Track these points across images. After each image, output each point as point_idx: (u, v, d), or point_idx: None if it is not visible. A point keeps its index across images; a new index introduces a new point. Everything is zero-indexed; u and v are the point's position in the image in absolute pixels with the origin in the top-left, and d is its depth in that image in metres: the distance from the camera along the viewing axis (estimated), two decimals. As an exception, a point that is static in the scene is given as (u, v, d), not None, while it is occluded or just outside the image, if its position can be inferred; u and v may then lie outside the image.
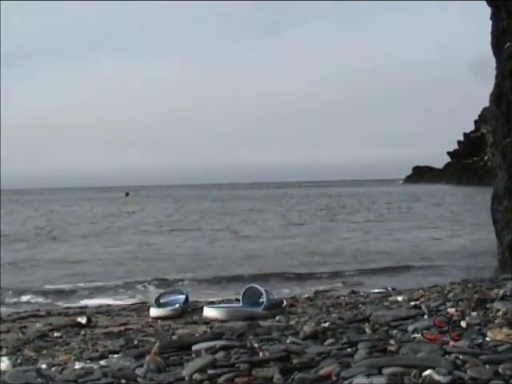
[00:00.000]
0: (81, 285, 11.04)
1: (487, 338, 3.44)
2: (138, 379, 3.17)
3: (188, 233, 22.36)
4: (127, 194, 60.99)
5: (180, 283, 11.02)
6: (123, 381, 3.14)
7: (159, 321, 6.40)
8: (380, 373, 2.83)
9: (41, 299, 9.92)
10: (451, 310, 4.53)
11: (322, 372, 2.96)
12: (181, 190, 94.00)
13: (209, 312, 6.19)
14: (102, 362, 3.75)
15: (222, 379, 3.00)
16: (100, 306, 8.03)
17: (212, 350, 3.63)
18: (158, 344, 3.87)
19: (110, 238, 20.74)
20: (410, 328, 3.93)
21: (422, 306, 4.89)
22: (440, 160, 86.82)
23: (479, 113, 73.72)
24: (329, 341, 3.78)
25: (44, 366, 3.77)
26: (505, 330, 3.50)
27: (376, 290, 8.40)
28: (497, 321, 3.93)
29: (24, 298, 9.95)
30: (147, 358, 3.44)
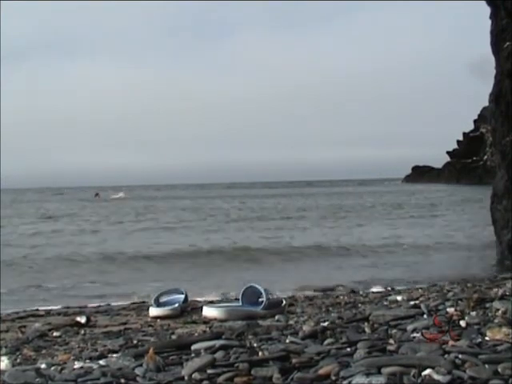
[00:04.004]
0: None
1: (486, 338, 3.44)
2: (138, 378, 3.18)
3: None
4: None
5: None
6: (122, 380, 3.14)
7: (158, 320, 6.40)
8: (379, 372, 2.84)
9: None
10: (450, 310, 4.54)
11: (322, 371, 2.96)
12: (171, 190, 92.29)
13: (208, 311, 6.19)
14: (102, 362, 3.75)
15: (221, 379, 3.00)
16: (99, 306, 8.03)
17: (211, 350, 3.64)
18: (153, 346, 3.87)
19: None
20: (410, 327, 3.93)
21: (422, 306, 4.89)
22: (439, 160, 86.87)
23: (478, 112, 73.74)
24: (328, 340, 3.78)
25: (43, 366, 3.76)
26: (504, 329, 3.50)
27: (375, 290, 8.40)
28: (496, 320, 3.94)
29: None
30: (146, 357, 3.44)
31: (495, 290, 5.88)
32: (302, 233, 19.89)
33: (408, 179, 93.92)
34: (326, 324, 4.61)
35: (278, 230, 20.97)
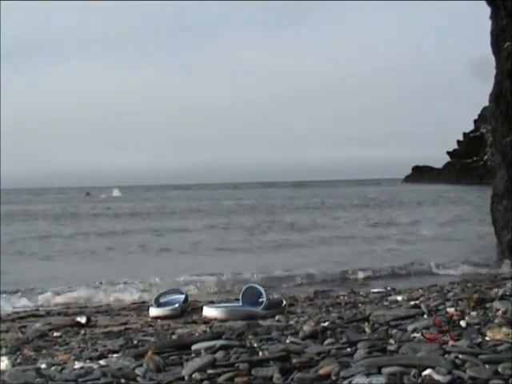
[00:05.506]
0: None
1: (487, 338, 3.44)
2: (138, 379, 3.18)
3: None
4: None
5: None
6: (123, 380, 3.15)
7: (159, 320, 6.41)
8: (379, 372, 2.84)
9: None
10: (451, 310, 4.54)
11: (322, 371, 2.96)
12: (173, 191, 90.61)
13: (208, 311, 6.20)
14: (102, 362, 3.75)
15: (221, 379, 3.00)
16: (100, 306, 8.03)
17: (212, 350, 3.64)
18: (154, 346, 3.87)
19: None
20: (410, 327, 3.94)
21: (422, 306, 4.89)
22: (439, 160, 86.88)
23: (479, 112, 73.78)
24: (328, 340, 3.78)
25: (43, 366, 3.77)
26: (504, 329, 3.50)
27: (375, 290, 8.40)
28: (496, 320, 3.94)
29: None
30: (146, 357, 3.44)
31: (495, 290, 5.87)
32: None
33: (408, 179, 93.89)
34: (326, 324, 4.62)
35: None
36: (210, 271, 10.67)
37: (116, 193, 65.67)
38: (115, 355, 4.09)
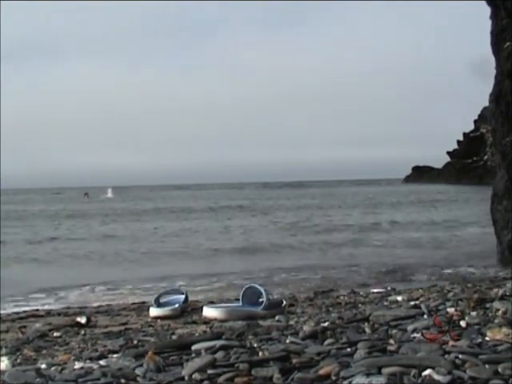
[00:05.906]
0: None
1: (487, 338, 3.44)
2: (138, 379, 3.18)
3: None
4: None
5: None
6: (123, 380, 3.15)
7: (159, 320, 6.41)
8: (379, 372, 2.84)
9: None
10: (451, 310, 4.54)
11: (322, 371, 2.96)
12: (174, 190, 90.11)
13: (208, 312, 6.20)
14: (102, 362, 3.75)
15: (221, 379, 3.00)
16: (100, 306, 8.03)
17: (212, 350, 3.64)
18: (154, 346, 3.87)
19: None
20: (410, 328, 3.94)
21: (422, 306, 4.89)
22: (439, 160, 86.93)
23: (479, 112, 73.80)
24: (328, 340, 3.78)
25: (43, 366, 3.77)
26: (504, 329, 3.50)
27: (375, 290, 8.41)
28: (496, 320, 3.94)
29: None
30: (146, 357, 3.44)
31: (495, 290, 5.88)
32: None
33: (408, 179, 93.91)
34: (326, 324, 4.62)
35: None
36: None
37: (110, 194, 65.96)
38: (115, 355, 4.09)
